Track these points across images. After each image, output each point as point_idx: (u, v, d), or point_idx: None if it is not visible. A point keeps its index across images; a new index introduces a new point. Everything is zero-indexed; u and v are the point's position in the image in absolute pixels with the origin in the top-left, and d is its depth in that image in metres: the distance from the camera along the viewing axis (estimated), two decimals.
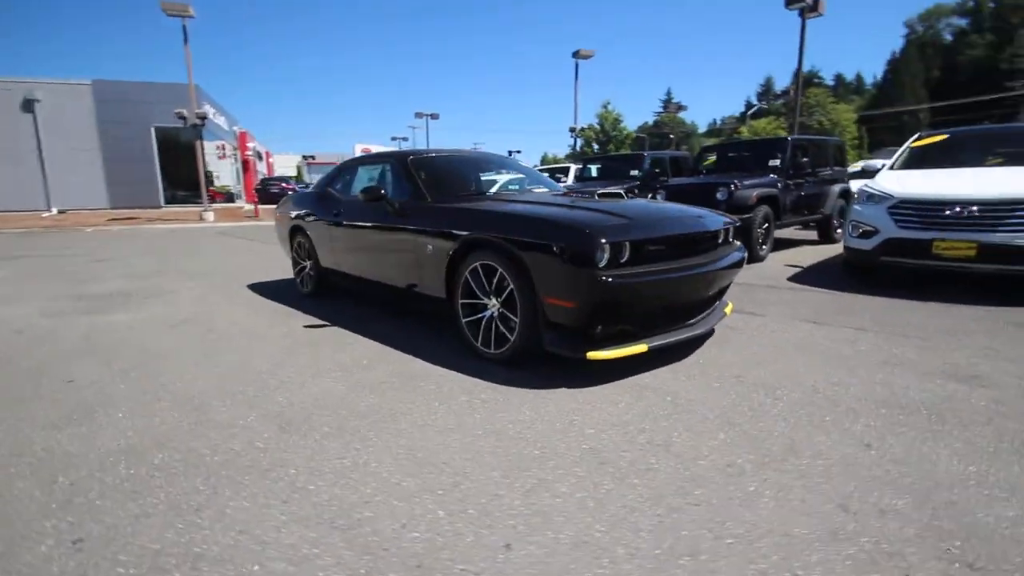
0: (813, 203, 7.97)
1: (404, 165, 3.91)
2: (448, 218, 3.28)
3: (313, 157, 44.14)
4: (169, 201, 21.97)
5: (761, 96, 73.08)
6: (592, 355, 2.58)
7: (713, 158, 9.11)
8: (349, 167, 4.75)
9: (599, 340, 2.65)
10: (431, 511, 1.64)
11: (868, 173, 6.26)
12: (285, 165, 43.56)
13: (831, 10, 14.47)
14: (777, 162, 7.40)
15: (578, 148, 25.24)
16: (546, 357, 2.80)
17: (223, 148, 28.49)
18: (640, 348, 2.67)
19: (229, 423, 2.32)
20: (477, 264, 3.00)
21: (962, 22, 63.45)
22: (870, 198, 4.97)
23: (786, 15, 14.54)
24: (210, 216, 16.90)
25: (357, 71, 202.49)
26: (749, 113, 44.89)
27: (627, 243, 2.58)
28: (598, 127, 31.67)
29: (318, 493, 1.75)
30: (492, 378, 2.77)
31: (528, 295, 2.72)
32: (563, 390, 2.60)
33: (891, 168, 5.57)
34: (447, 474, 1.86)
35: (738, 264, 3.18)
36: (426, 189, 3.66)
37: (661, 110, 67.96)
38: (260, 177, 28.54)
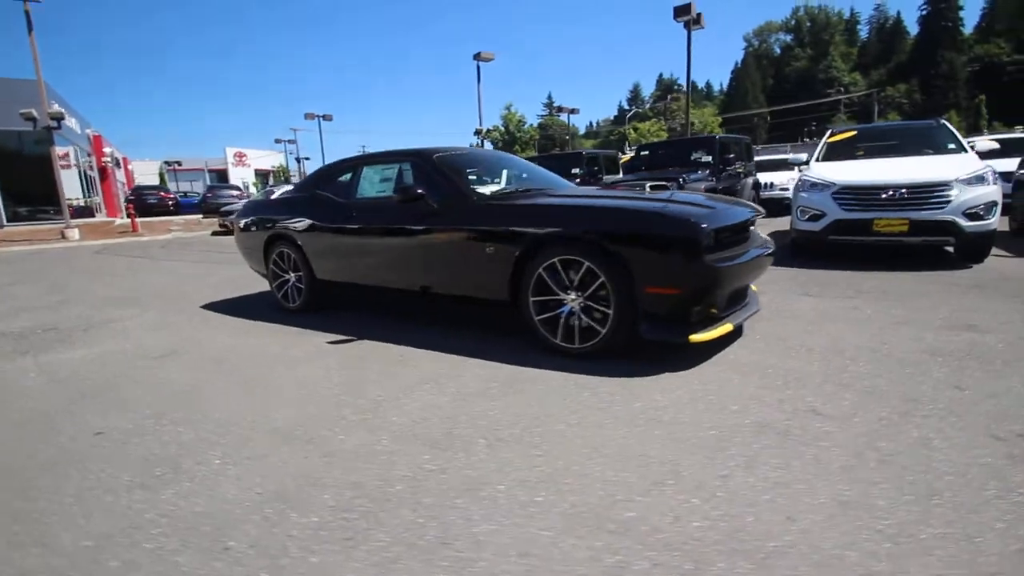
0: (735, 195, 8.92)
1: (432, 164, 3.72)
2: (512, 216, 3.20)
3: (179, 163, 39.21)
4: (11, 219, 18.14)
5: (631, 101, 79.54)
6: (694, 338, 2.71)
7: (627, 157, 9.86)
8: (346, 168, 4.38)
9: (694, 324, 2.78)
10: (687, 501, 1.64)
11: (791, 165, 7.18)
12: (144, 172, 38.03)
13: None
14: (709, 158, 8.17)
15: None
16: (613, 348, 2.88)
17: (68, 156, 24.25)
18: (727, 327, 2.85)
19: (368, 451, 2.07)
20: (555, 260, 2.97)
21: (788, 37, 74.36)
22: (813, 186, 5.71)
23: (651, 28, 15.99)
24: (74, 234, 14.35)
25: (227, 71, 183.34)
26: (628, 116, 48.79)
27: (719, 230, 2.74)
28: (502, 128, 32.16)
29: (559, 501, 1.66)
30: (588, 372, 2.76)
31: (624, 286, 2.77)
32: (667, 375, 2.68)
33: (817, 160, 6.46)
34: (659, 463, 1.86)
35: (774, 252, 3.49)
36: (467, 188, 3.53)
37: (545, 113, 70.99)
38: (122, 186, 24.70)
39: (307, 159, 46.81)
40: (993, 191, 4.97)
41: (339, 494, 1.77)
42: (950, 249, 5.64)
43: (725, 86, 78.36)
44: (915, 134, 6.43)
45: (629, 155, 9.92)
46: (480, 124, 22.24)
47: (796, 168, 7.13)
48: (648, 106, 68.97)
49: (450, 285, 3.56)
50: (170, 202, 23.39)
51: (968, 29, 65.21)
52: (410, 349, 3.37)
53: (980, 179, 4.96)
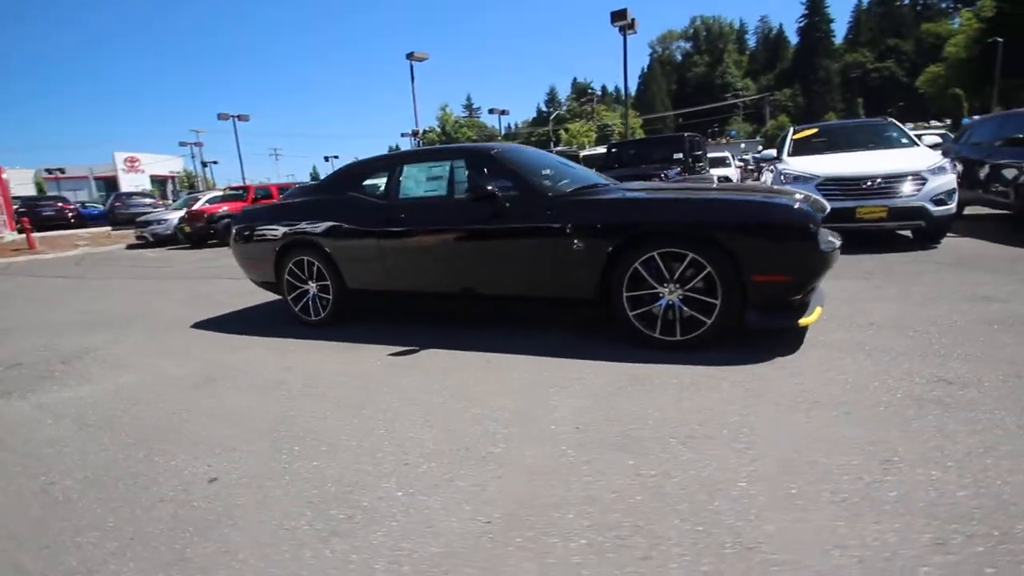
0: None
1: (492, 159, 3.56)
2: (606, 211, 3.15)
3: (62, 170, 34.45)
4: None
5: (548, 103, 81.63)
6: (803, 322, 2.81)
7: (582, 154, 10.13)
8: (380, 167, 4.07)
9: (796, 309, 2.89)
10: (931, 474, 1.68)
11: (763, 160, 7.71)
12: (20, 181, 32.83)
13: (600, 30, 16.84)
14: (680, 155, 8.57)
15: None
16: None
17: None
18: (819, 311, 2.99)
19: (562, 463, 1.92)
20: (655, 253, 2.95)
21: (687, 45, 79.83)
22: (797, 178, 6.15)
23: (567, 32, 16.61)
24: None
25: (110, 71, 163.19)
26: (552, 117, 50.10)
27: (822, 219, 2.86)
28: (439, 129, 31.45)
29: (813, 492, 1.63)
30: (698, 363, 2.77)
31: (732, 276, 2.81)
32: (779, 360, 2.75)
33: (788, 155, 6.98)
34: (870, 443, 1.88)
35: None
36: (540, 184, 3.41)
37: (465, 114, 70.85)
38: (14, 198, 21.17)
39: (215, 163, 43.19)
40: (952, 179, 5.64)
41: (583, 511, 1.63)
42: (906, 233, 6.34)
43: (635, 90, 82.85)
44: (869, 130, 7.15)
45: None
46: (416, 125, 21.74)
47: (764, 164, 7.66)
48: (565, 108, 71.03)
49: (521, 285, 3.43)
50: (70, 214, 20.45)
51: (839, 39, 73.66)
52: (485, 355, 3.20)
53: (943, 169, 5.61)
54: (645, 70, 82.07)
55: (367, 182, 4.06)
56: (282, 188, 15.21)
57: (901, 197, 5.52)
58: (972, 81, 40.16)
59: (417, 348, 3.44)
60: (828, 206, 3.30)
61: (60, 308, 6.16)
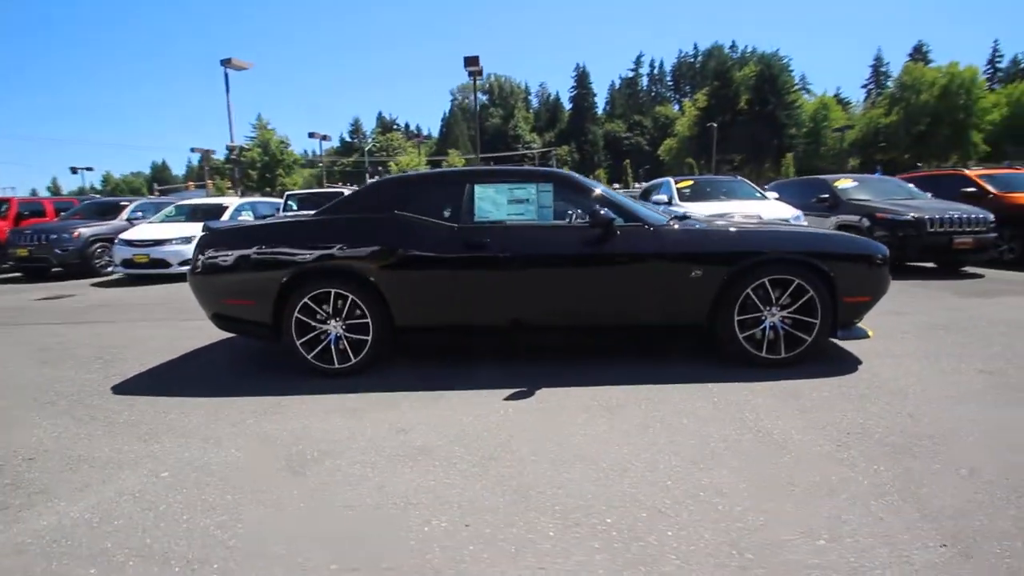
0: None
1: (585, 186, 3.47)
2: (724, 241, 3.38)
3: None
4: None
5: (352, 134, 79.40)
6: (871, 333, 3.41)
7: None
8: (443, 183, 3.53)
9: (860, 324, 3.48)
10: None
11: (656, 203, 8.90)
12: None
13: (404, 66, 17.75)
14: None
15: (237, 174, 21.10)
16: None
17: None
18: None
19: (823, 489, 1.97)
20: (765, 280, 3.24)
21: (484, 97, 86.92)
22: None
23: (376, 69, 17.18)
24: None
25: None
26: (368, 149, 48.48)
27: None
28: (259, 148, 27.02)
29: None
30: (797, 377, 3.13)
31: (829, 298, 3.25)
32: (868, 365, 3.28)
33: (680, 201, 8.22)
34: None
35: None
36: (642, 213, 3.41)
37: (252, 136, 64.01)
38: None
39: None
40: (805, 224, 7.41)
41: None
42: None
43: (438, 132, 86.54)
44: (729, 185, 8.91)
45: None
46: (231, 140, 18.81)
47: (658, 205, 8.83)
48: (371, 139, 70.09)
49: (629, 314, 3.36)
50: None
51: (600, 110, 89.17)
52: (584, 390, 3.02)
53: (799, 218, 7.34)
54: (447, 114, 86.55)
55: (432, 201, 3.47)
56: (60, 204, 11.51)
57: None
58: (697, 152, 52.99)
59: (526, 389, 3.05)
60: None
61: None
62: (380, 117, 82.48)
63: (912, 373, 3.15)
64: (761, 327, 3.29)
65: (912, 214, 6.89)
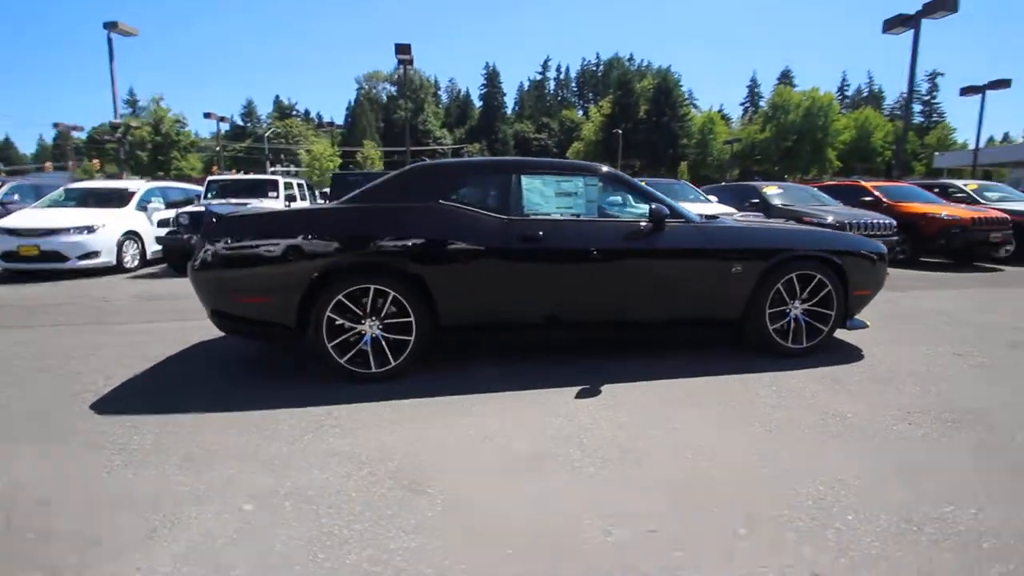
0: None
1: (630, 182, 3.46)
2: (763, 238, 3.54)
3: None
4: None
5: (245, 117, 72.90)
6: (869, 324, 3.80)
7: None
8: (487, 172, 3.31)
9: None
10: None
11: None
12: None
13: (299, 50, 17.15)
14: None
15: (123, 155, 18.11)
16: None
17: None
18: None
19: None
20: (793, 275, 3.47)
21: (392, 88, 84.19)
22: None
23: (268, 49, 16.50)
24: None
25: None
26: (267, 134, 44.35)
27: None
28: (150, 127, 23.20)
29: None
30: (833, 363, 3.44)
31: (843, 291, 3.57)
32: (886, 350, 3.66)
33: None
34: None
35: None
36: (684, 210, 3.48)
37: (127, 112, 56.18)
38: None
39: None
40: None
41: None
42: None
43: (343, 121, 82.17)
44: (674, 188, 9.44)
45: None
46: (116, 116, 16.32)
47: None
48: (267, 126, 64.80)
49: (673, 310, 3.43)
50: None
51: (510, 110, 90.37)
52: (642, 385, 3.08)
53: (730, 215, 7.97)
54: (352, 103, 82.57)
55: (477, 190, 3.25)
56: None
57: None
58: (603, 156, 55.71)
59: (568, 386, 2.99)
60: None
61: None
62: (277, 101, 76.49)
63: (908, 358, 3.56)
64: (786, 319, 3.53)
65: (832, 218, 7.81)
